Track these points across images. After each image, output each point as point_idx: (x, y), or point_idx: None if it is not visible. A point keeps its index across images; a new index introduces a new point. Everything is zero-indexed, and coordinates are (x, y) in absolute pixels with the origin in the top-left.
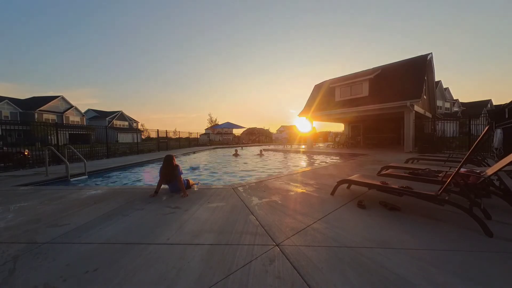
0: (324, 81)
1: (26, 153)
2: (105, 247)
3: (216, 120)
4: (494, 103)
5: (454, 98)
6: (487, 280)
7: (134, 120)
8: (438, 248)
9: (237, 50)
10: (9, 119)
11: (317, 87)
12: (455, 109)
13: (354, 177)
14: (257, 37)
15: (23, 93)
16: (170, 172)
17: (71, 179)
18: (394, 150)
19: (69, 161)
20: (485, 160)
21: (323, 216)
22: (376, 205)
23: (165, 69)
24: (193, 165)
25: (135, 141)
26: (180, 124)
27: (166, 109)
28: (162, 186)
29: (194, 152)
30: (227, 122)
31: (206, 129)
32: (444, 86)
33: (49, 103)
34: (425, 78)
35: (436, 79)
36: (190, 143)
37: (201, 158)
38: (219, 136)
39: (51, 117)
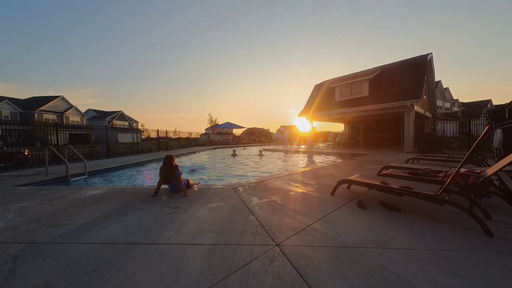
0: (324, 81)
1: (26, 153)
2: (105, 247)
3: (216, 120)
4: (494, 103)
5: (454, 98)
6: (487, 280)
7: (134, 120)
8: (438, 248)
9: (237, 50)
10: (9, 119)
11: (317, 87)
12: (455, 109)
13: (354, 177)
14: (257, 37)
15: (23, 93)
16: (170, 172)
17: (71, 179)
18: (394, 150)
19: (69, 161)
20: (485, 160)
21: (323, 216)
22: (376, 205)
23: (165, 69)
24: (193, 166)
25: (135, 141)
26: (180, 124)
27: (166, 109)
28: (162, 186)
29: (194, 152)
30: (227, 122)
31: (206, 129)
32: (444, 86)
33: (49, 103)
34: (425, 78)
35: (436, 79)
36: (190, 143)
37: (201, 158)
38: (219, 136)
39: (51, 117)
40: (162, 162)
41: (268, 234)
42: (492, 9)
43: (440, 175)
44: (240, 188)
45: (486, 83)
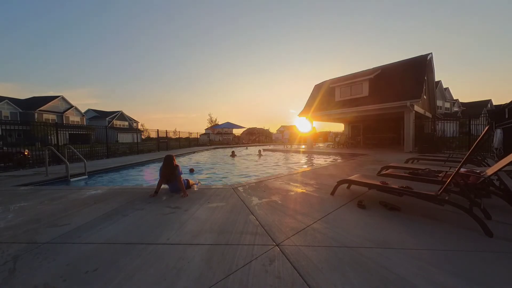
0: (324, 81)
1: (26, 153)
2: (105, 247)
3: (216, 120)
4: (494, 103)
5: (454, 98)
6: (487, 280)
7: (134, 120)
8: (438, 248)
9: (237, 50)
10: (9, 119)
11: (317, 87)
12: (455, 109)
13: (354, 177)
14: (257, 37)
15: (23, 93)
16: (170, 172)
17: (71, 179)
18: (394, 150)
19: (69, 161)
20: (485, 160)
21: (323, 216)
22: (376, 205)
23: (166, 69)
24: (192, 166)
25: (135, 141)
26: (180, 124)
27: (166, 109)
28: (162, 186)
29: (194, 152)
30: (227, 122)
31: (206, 129)
32: (444, 86)
33: (49, 103)
34: (425, 78)
35: (436, 79)
36: (190, 143)
37: (201, 158)
38: (219, 136)
39: (51, 117)
40: (162, 162)
41: (268, 234)
42: (492, 9)
43: (440, 175)
44: (240, 188)
45: (486, 83)
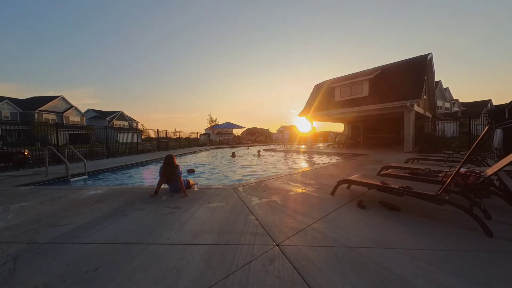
0: (324, 81)
1: (26, 153)
2: (105, 247)
3: (216, 120)
4: (494, 103)
5: (454, 98)
6: (487, 280)
7: (134, 120)
8: (438, 248)
9: (237, 50)
10: (9, 119)
11: (317, 87)
12: (455, 109)
13: (354, 177)
14: (257, 37)
15: (23, 93)
16: (170, 172)
17: (71, 179)
18: (394, 150)
19: (69, 161)
20: (485, 160)
21: (323, 216)
22: (376, 205)
23: (166, 69)
24: (192, 166)
25: (135, 141)
26: (180, 124)
27: (166, 109)
28: (162, 186)
29: (194, 152)
30: (227, 122)
31: (206, 129)
32: (444, 86)
33: (49, 103)
34: (425, 78)
35: (436, 79)
36: (190, 143)
37: (201, 158)
38: (219, 136)
39: (51, 117)
40: (162, 162)
41: (268, 234)
42: (492, 9)
43: (440, 175)
44: (240, 188)
45: (486, 83)
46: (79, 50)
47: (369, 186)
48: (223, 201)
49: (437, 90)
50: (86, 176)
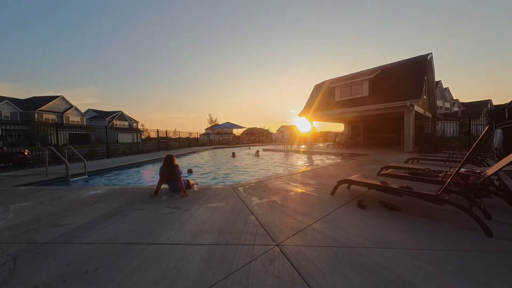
0: (324, 81)
1: (26, 153)
2: (105, 247)
3: (216, 120)
4: (494, 103)
5: (454, 98)
6: (487, 280)
7: (134, 120)
8: (438, 248)
9: (237, 50)
10: (9, 119)
11: (317, 87)
12: (455, 109)
13: (354, 177)
14: (257, 37)
15: (23, 93)
16: (170, 172)
17: (71, 179)
18: (394, 150)
19: (69, 161)
20: (485, 160)
21: (323, 216)
22: (376, 205)
23: (166, 69)
24: (191, 167)
25: (135, 141)
26: (180, 124)
27: (166, 109)
28: (162, 186)
29: (194, 152)
30: (227, 122)
31: (206, 129)
32: (444, 86)
33: (49, 103)
34: (425, 78)
35: (436, 79)
36: (190, 143)
37: (201, 158)
38: (219, 136)
39: (51, 117)
40: (162, 162)
41: (268, 234)
42: (492, 9)
43: (440, 175)
44: (240, 188)
45: (486, 83)
46: (79, 50)
47: (369, 186)
48: (223, 201)
49: (437, 90)
50: (86, 176)
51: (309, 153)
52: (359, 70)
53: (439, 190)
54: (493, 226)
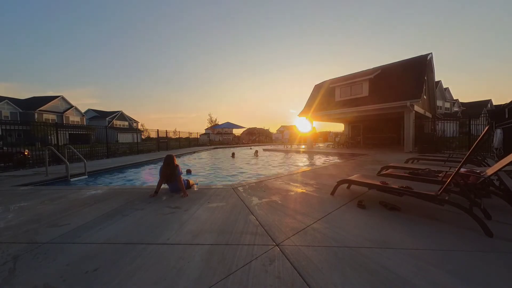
0: (324, 81)
1: (26, 153)
2: (105, 247)
3: (216, 120)
4: (494, 103)
5: (454, 98)
6: (487, 280)
7: (134, 120)
8: (438, 248)
9: (237, 50)
10: (9, 119)
11: (317, 87)
12: (455, 109)
13: (354, 177)
14: (258, 37)
15: (23, 93)
16: (170, 172)
17: (71, 179)
18: (394, 150)
19: (69, 161)
20: (485, 160)
21: (323, 216)
22: (376, 205)
23: (166, 69)
24: (190, 167)
25: (135, 141)
26: (180, 124)
27: (166, 109)
28: (162, 186)
29: (194, 152)
30: (227, 122)
31: (206, 129)
32: (444, 86)
33: (49, 103)
34: (425, 78)
35: (436, 79)
36: (190, 143)
37: (202, 158)
38: (219, 136)
39: (51, 117)
40: (162, 162)
41: (268, 234)
42: (493, 9)
43: (440, 175)
44: (240, 188)
45: (486, 83)
46: (79, 50)
47: (369, 186)
48: (223, 201)
49: (437, 90)
50: (86, 176)
51: (309, 153)
52: (359, 70)
53: (439, 190)
54: (493, 226)
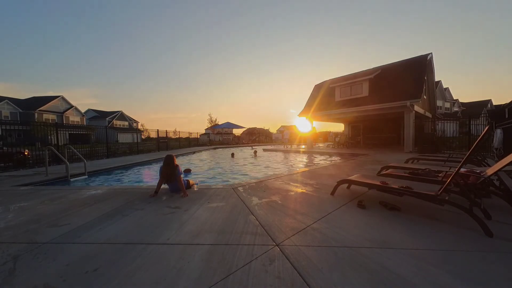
0: (324, 81)
1: (26, 153)
2: (105, 247)
3: (216, 120)
4: (494, 103)
5: (454, 98)
6: (487, 280)
7: (134, 120)
8: (438, 248)
9: (237, 50)
10: (9, 119)
11: (317, 87)
12: (455, 109)
13: (354, 177)
14: (258, 37)
15: (23, 93)
16: (170, 172)
17: (71, 179)
18: (394, 150)
19: (69, 161)
20: (485, 160)
21: (323, 216)
22: (376, 205)
23: (166, 69)
24: (189, 167)
25: (135, 141)
26: (180, 124)
27: (166, 109)
28: (162, 186)
29: (194, 152)
30: (227, 122)
31: (206, 129)
32: (444, 86)
33: (49, 103)
34: (425, 78)
35: (436, 79)
36: (190, 143)
37: (202, 158)
38: (219, 136)
39: (51, 117)
40: (162, 162)
41: (268, 234)
42: (493, 9)
43: (440, 175)
44: (240, 188)
45: (486, 83)
46: (79, 50)
47: (369, 186)
48: (223, 201)
49: (437, 90)
50: (86, 176)
51: (309, 153)
52: (359, 70)
53: (439, 190)
54: (493, 226)
